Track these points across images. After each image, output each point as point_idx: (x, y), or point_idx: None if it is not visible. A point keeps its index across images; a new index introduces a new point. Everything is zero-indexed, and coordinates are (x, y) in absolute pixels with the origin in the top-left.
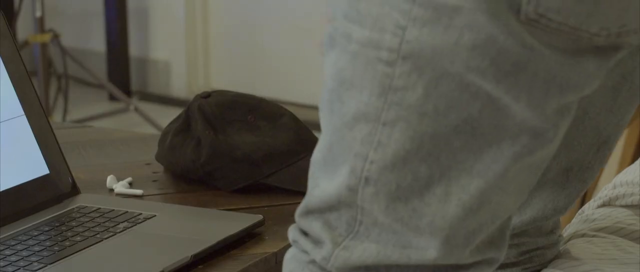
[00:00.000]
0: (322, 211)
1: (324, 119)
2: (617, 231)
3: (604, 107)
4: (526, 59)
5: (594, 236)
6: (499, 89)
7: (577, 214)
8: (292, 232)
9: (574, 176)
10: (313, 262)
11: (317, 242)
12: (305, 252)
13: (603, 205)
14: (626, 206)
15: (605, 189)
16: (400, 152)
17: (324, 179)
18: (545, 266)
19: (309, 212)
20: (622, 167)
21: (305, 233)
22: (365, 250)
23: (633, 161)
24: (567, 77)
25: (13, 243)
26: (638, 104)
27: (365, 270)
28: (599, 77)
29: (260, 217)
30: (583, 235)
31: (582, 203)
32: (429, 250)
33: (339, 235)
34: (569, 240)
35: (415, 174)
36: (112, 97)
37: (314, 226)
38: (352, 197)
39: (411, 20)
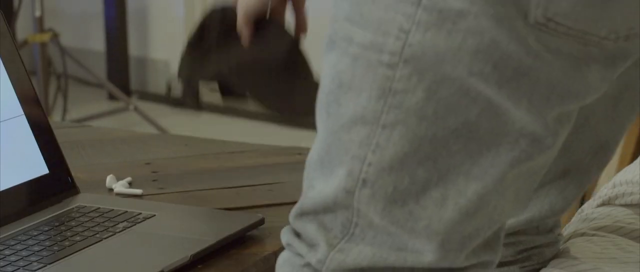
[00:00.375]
0: (317, 212)
1: (321, 121)
2: (616, 230)
3: (604, 115)
4: (529, 65)
5: (593, 235)
6: (500, 94)
7: (576, 213)
8: (285, 235)
9: (572, 178)
10: (308, 265)
11: (311, 244)
12: (300, 255)
13: (603, 204)
14: (626, 205)
15: (605, 188)
16: (398, 155)
17: (320, 181)
18: (544, 264)
19: (303, 214)
20: (621, 166)
21: (299, 236)
22: (360, 252)
23: (633, 160)
24: (570, 86)
25: (12, 243)
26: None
27: None
28: (602, 88)
29: (260, 216)
30: (582, 234)
31: (582, 202)
32: (424, 253)
33: (334, 237)
34: (568, 239)
35: (412, 177)
36: (112, 97)
37: (309, 227)
38: (348, 199)
39: (415, 24)
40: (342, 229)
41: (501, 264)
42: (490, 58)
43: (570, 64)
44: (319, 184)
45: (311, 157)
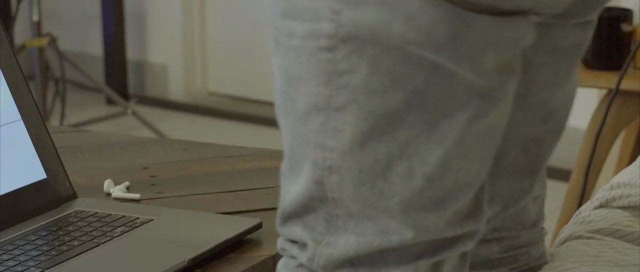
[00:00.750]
0: (299, 214)
1: (282, 123)
2: (613, 233)
3: (545, 82)
4: (461, 27)
5: (590, 237)
6: (440, 57)
7: (574, 215)
8: (280, 242)
9: (531, 153)
10: (301, 266)
11: (301, 245)
12: (293, 257)
13: (600, 206)
14: (623, 207)
15: (603, 190)
16: (356, 135)
17: (292, 182)
18: (531, 265)
19: (286, 219)
20: (619, 168)
21: (291, 241)
22: (346, 243)
23: (631, 162)
24: (502, 35)
25: (11, 248)
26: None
27: (350, 264)
28: (530, 31)
29: (258, 220)
30: (579, 237)
31: (580, 204)
32: (405, 229)
33: (319, 234)
34: (564, 242)
35: (375, 155)
36: (110, 101)
37: (295, 230)
38: (321, 190)
39: (345, 4)
40: (326, 224)
41: (490, 264)
42: (422, 26)
43: (495, 16)
44: (292, 186)
45: (282, 167)
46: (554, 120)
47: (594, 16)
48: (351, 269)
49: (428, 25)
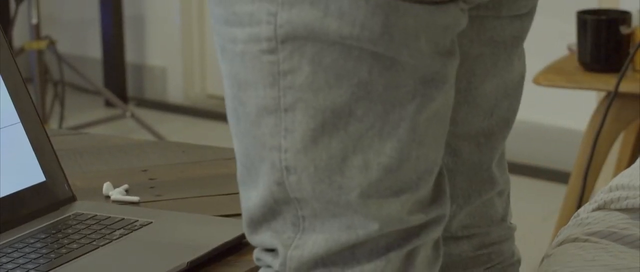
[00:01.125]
0: (267, 219)
1: (234, 130)
2: (609, 235)
3: (485, 74)
4: (394, 17)
5: (586, 240)
6: (378, 48)
7: (572, 217)
8: (255, 253)
9: (484, 146)
10: None
11: (274, 252)
12: (269, 266)
13: (598, 208)
14: (621, 210)
15: (602, 192)
16: (307, 133)
17: (252, 188)
18: (504, 264)
19: (255, 226)
20: (618, 170)
21: (265, 250)
22: (314, 243)
23: (629, 164)
24: (435, 21)
25: (9, 251)
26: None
27: (322, 264)
28: (462, 16)
29: None
30: (575, 239)
31: (579, 206)
32: (369, 222)
33: (288, 238)
34: (560, 244)
35: (328, 151)
36: (109, 104)
37: (265, 238)
38: (283, 191)
39: (280, 5)
40: (293, 227)
41: (464, 265)
42: (355, 19)
43: (428, 4)
44: (253, 191)
45: (238, 174)
46: (499, 113)
47: (529, 8)
48: (324, 269)
49: (362, 18)
